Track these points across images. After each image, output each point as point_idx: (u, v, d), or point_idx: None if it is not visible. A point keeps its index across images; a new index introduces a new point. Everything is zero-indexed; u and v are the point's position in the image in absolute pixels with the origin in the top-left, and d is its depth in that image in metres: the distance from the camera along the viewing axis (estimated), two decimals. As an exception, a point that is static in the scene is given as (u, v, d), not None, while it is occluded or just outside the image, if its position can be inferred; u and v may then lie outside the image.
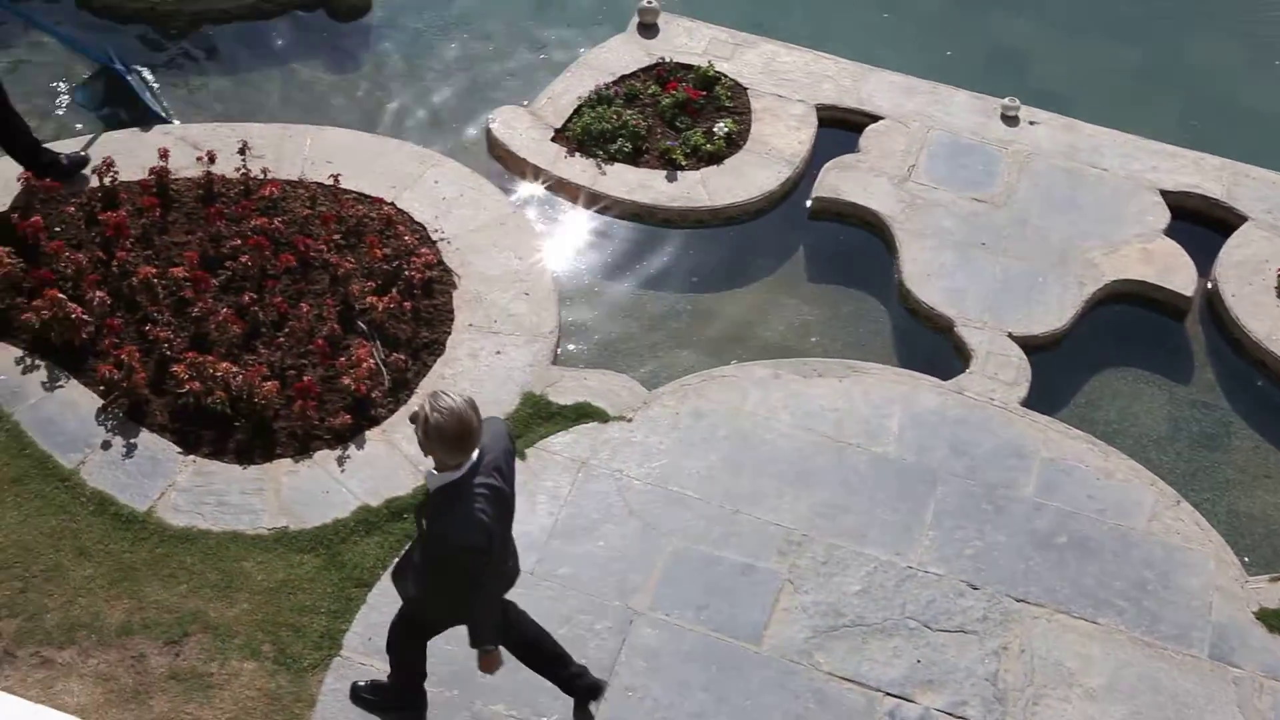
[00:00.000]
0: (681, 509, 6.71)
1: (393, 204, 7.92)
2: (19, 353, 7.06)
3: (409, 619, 5.58)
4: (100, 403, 6.88)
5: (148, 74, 8.65)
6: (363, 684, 5.99)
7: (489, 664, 5.27)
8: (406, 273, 7.50)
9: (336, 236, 7.63)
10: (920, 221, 8.16)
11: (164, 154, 7.87)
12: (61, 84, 8.67)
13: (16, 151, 7.76)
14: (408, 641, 5.71)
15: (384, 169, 8.13)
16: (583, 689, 5.91)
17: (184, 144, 8.08)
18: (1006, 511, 6.81)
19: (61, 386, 6.96)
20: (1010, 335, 7.59)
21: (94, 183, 7.75)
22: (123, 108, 8.48)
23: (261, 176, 7.88)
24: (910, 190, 8.34)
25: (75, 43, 8.60)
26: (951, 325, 7.66)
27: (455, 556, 4.92)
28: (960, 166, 8.50)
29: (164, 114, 8.43)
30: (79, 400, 6.90)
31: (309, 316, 7.22)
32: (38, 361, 7.03)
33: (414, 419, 4.83)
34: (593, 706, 5.98)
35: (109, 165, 7.74)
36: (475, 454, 4.90)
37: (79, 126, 8.39)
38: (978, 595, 6.49)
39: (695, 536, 6.61)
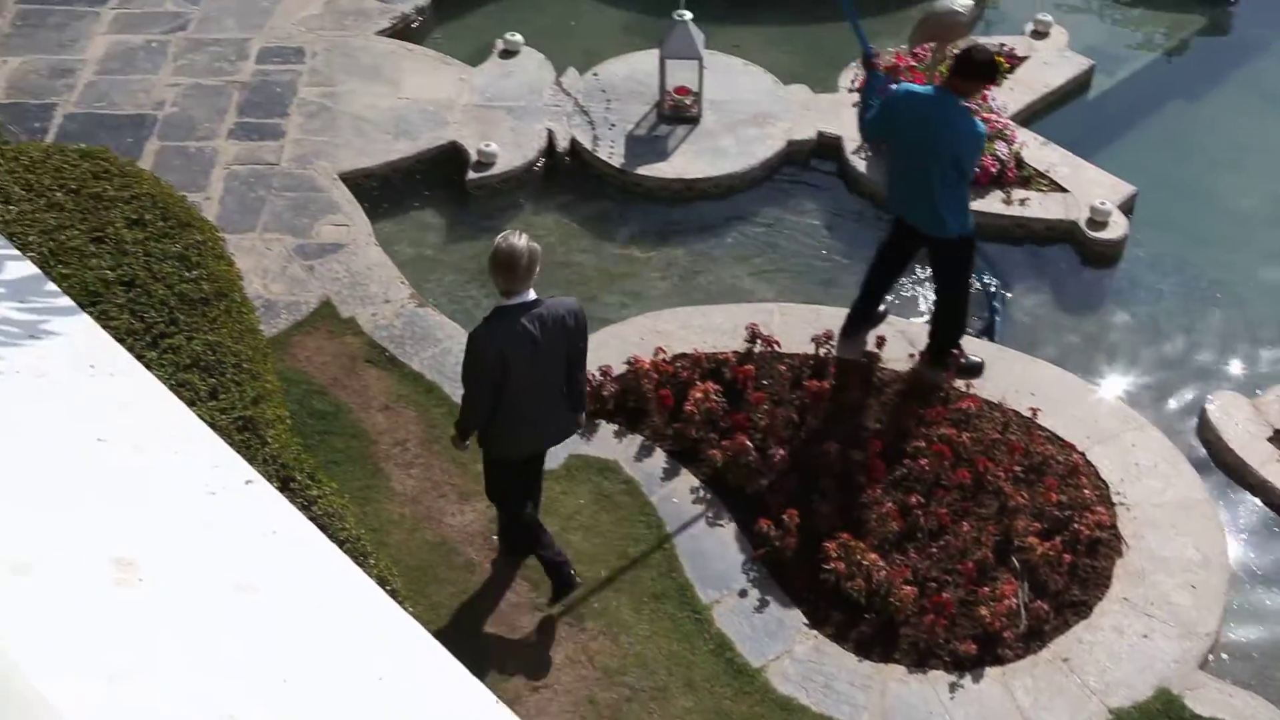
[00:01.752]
0: None
1: (1083, 454, 7.77)
2: (696, 482, 7.56)
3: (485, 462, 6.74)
4: (750, 553, 7.21)
5: None
6: None
7: (453, 443, 6.61)
8: (1075, 525, 7.32)
9: (1017, 468, 7.59)
10: None
11: (880, 342, 8.20)
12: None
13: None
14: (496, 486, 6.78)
15: (1083, 417, 8.00)
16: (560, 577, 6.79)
17: (901, 339, 8.37)
18: None
19: (721, 526, 7.36)
20: None
21: (809, 349, 8.20)
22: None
23: (963, 390, 8.01)
24: None
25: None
26: None
27: (467, 355, 6.20)
28: None
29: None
30: (732, 543, 7.27)
31: (967, 536, 7.22)
32: (710, 496, 7.49)
33: None
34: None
35: (827, 337, 8.17)
36: (528, 297, 6.13)
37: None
38: None
39: None
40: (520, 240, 6.09)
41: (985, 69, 7.48)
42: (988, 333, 8.76)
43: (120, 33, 10.42)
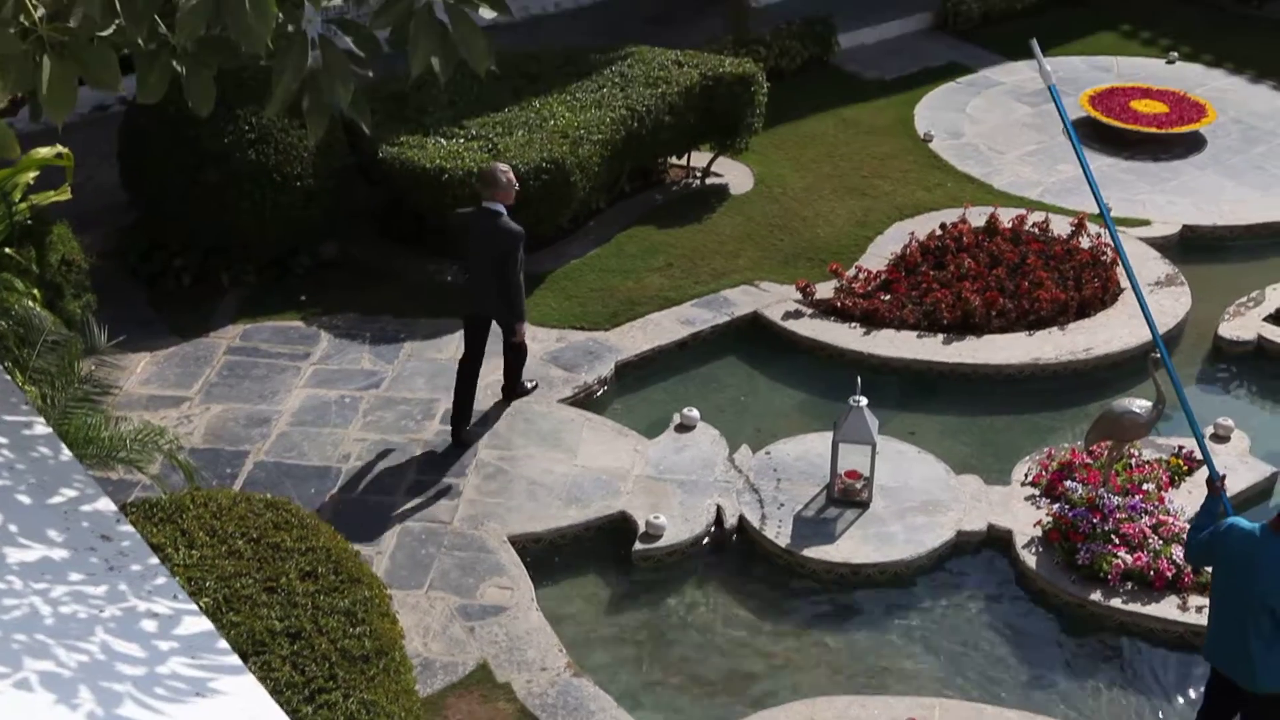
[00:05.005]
0: None
1: None
2: None
3: None
4: None
5: None
6: None
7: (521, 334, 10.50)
8: None
9: None
10: None
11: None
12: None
13: None
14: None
15: None
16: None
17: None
18: None
19: None
20: None
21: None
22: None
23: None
24: None
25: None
26: None
27: (517, 252, 10.05)
28: None
29: None
30: None
31: None
32: None
33: None
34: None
35: (991, 741, 7.93)
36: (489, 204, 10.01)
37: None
38: None
39: None
40: (501, 164, 10.18)
41: None
42: None
43: (318, 387, 11.06)
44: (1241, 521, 7.66)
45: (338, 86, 4.40)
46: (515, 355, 10.76)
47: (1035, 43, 9.20)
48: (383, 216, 12.97)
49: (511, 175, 10.13)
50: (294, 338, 11.63)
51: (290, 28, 4.26)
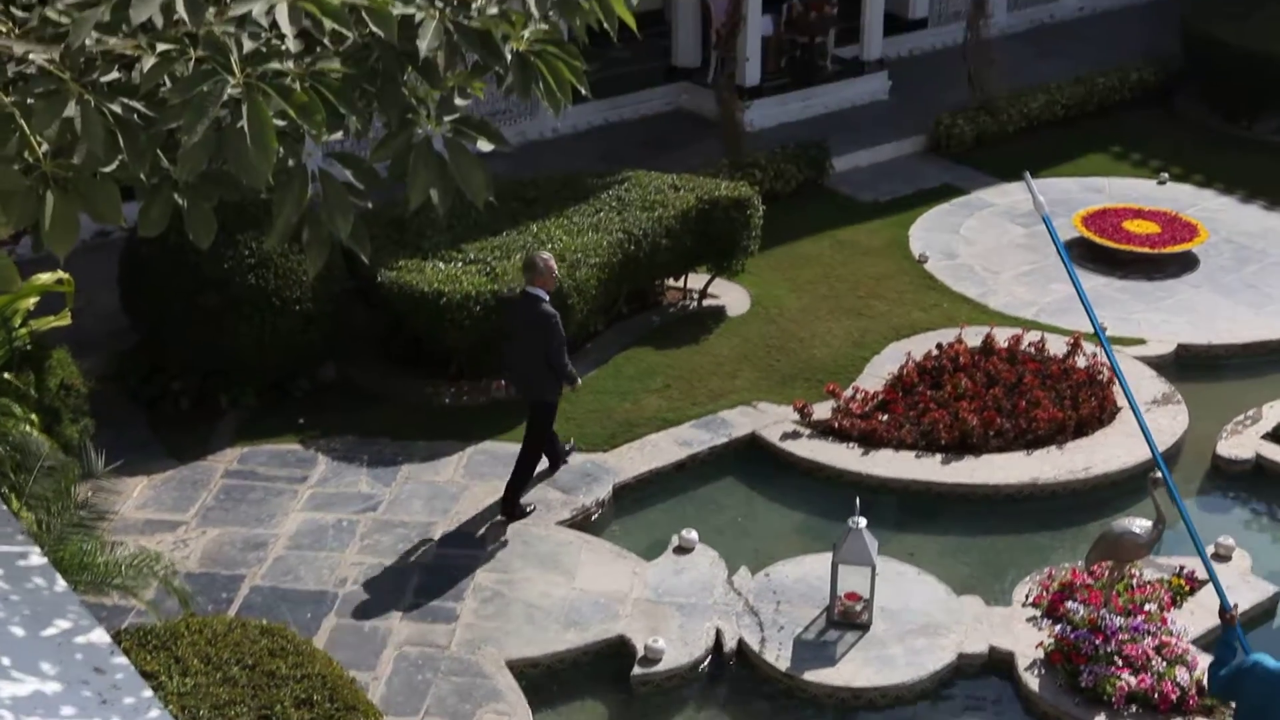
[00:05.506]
0: None
1: None
2: None
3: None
4: None
5: None
6: None
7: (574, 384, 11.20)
8: None
9: None
10: None
11: None
12: None
13: None
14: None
15: None
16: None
17: None
18: None
19: None
20: None
21: None
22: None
23: None
24: None
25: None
26: None
27: (560, 333, 10.80)
28: None
29: None
30: None
31: None
32: None
33: None
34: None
35: None
36: (531, 289, 10.76)
37: None
38: None
39: None
40: (542, 254, 11.00)
41: None
42: None
43: (315, 510, 11.04)
44: (1267, 660, 7.65)
45: (337, 218, 4.46)
46: (533, 437, 11.03)
47: (1028, 174, 9.38)
48: (381, 339, 13.04)
49: (552, 263, 10.90)
50: (291, 461, 11.62)
51: (291, 162, 4.33)
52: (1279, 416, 12.23)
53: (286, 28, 4.05)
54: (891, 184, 16.84)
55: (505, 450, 11.60)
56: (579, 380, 11.17)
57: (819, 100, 18.39)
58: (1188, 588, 10.29)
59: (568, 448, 11.56)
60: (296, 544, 10.64)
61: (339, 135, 4.50)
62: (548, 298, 10.78)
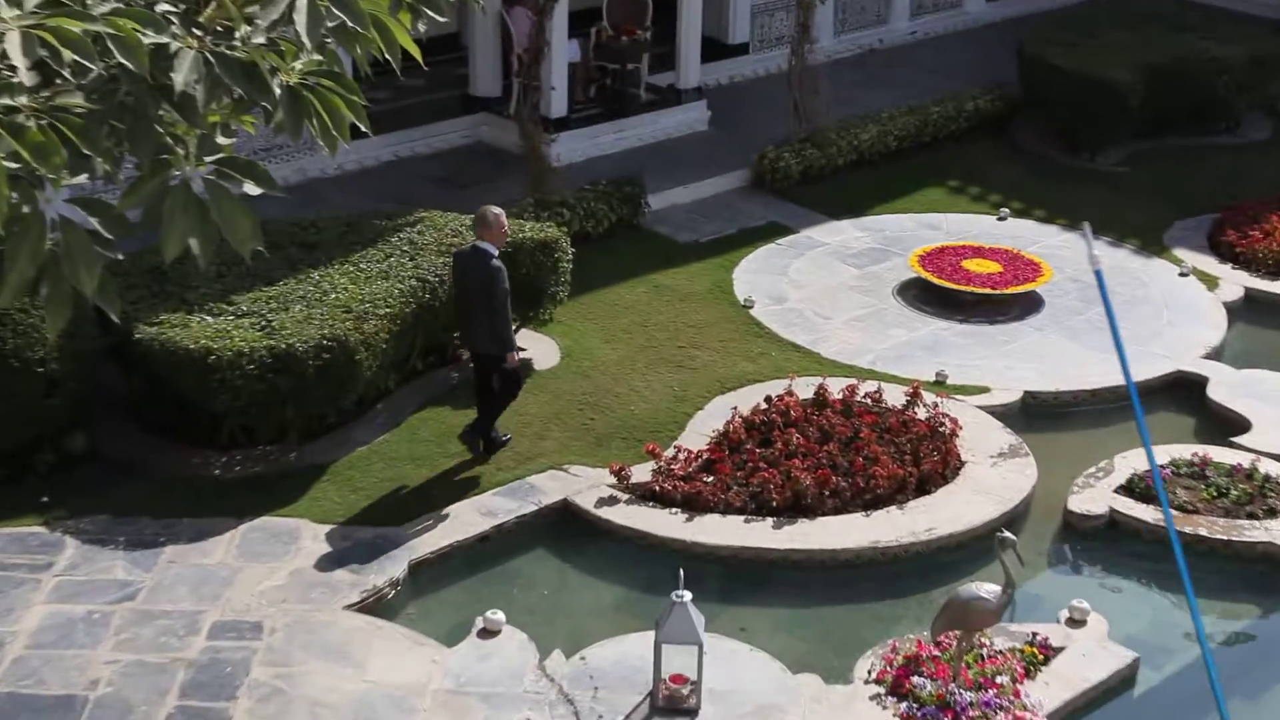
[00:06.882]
0: None
1: None
2: None
3: None
4: None
5: None
6: None
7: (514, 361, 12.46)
8: None
9: None
10: None
11: None
12: None
13: None
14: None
15: None
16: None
17: None
18: None
19: None
20: None
21: None
22: None
23: None
24: None
25: None
26: None
27: (503, 284, 12.06)
28: None
29: None
30: None
31: None
32: None
33: None
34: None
35: None
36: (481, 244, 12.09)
37: None
38: None
39: None
40: (493, 209, 12.15)
41: None
42: None
43: (61, 602, 10.72)
44: None
45: (81, 272, 4.37)
46: (504, 389, 12.26)
47: (1087, 226, 9.44)
48: (139, 404, 12.76)
49: (503, 217, 12.27)
50: (33, 545, 11.28)
51: (25, 209, 4.24)
52: (1131, 468, 12.69)
53: (19, 59, 3.98)
54: (713, 223, 17.12)
55: (284, 526, 11.45)
56: (518, 353, 12.41)
57: (632, 132, 18.62)
58: (1041, 656, 10.58)
59: (505, 437, 12.40)
60: (39, 642, 10.32)
61: (83, 178, 4.42)
62: (497, 253, 12.07)
